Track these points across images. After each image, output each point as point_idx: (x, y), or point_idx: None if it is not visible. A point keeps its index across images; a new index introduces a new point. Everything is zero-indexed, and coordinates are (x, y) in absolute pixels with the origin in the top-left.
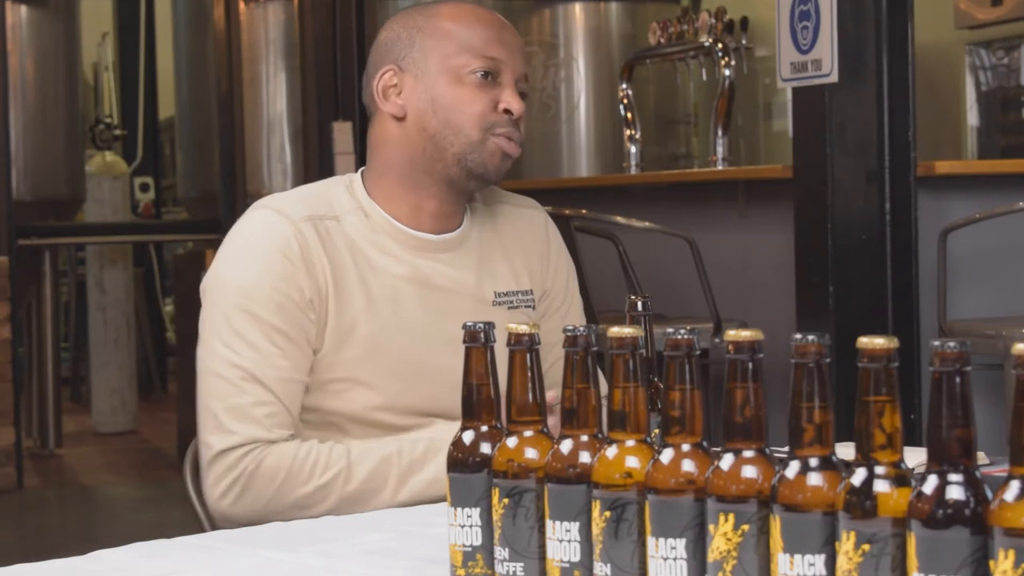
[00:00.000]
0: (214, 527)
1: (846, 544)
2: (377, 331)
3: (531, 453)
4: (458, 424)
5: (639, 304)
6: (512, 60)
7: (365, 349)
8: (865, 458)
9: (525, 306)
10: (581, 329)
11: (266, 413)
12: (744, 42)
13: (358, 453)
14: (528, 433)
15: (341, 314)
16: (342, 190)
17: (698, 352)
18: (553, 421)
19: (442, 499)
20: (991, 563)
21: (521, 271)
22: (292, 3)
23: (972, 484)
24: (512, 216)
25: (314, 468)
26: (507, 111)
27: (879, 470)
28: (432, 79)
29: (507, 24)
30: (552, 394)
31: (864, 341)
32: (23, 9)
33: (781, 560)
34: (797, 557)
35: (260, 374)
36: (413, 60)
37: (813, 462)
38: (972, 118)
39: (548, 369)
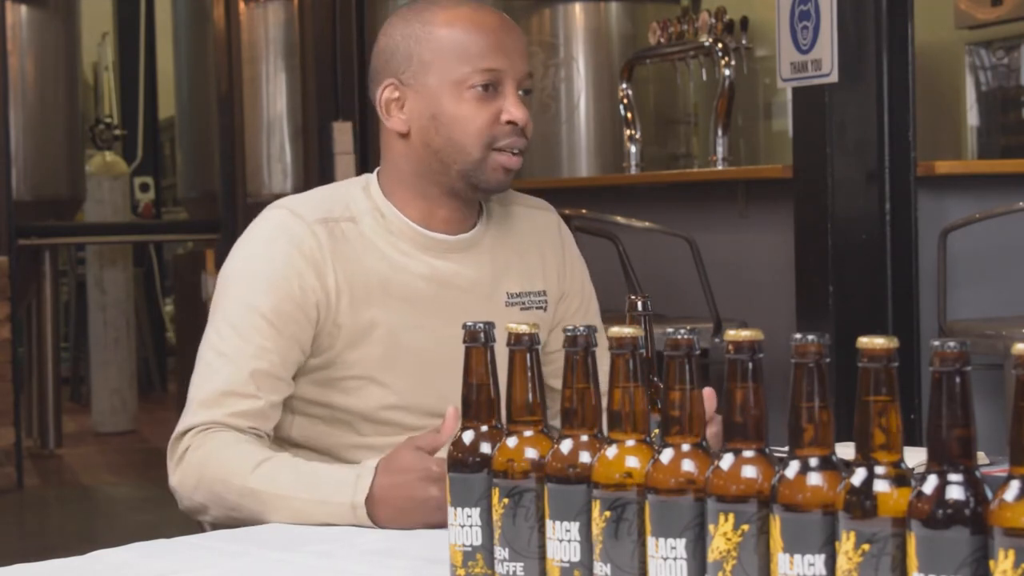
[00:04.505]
0: (214, 527)
1: (846, 544)
2: (394, 331)
3: (531, 453)
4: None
5: (639, 304)
6: (513, 65)
7: (382, 348)
8: (865, 458)
9: (537, 307)
10: (581, 329)
11: (235, 402)
12: (744, 42)
13: (278, 457)
14: (528, 433)
15: (357, 314)
16: (359, 191)
17: (698, 352)
18: (714, 430)
19: (327, 524)
20: (991, 563)
21: (535, 272)
22: (292, 3)
23: (972, 484)
24: (526, 218)
25: (234, 457)
26: (510, 122)
27: (879, 470)
28: (433, 95)
29: (507, 22)
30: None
31: (864, 341)
32: (23, 9)
33: (781, 560)
34: (797, 557)
35: (241, 363)
36: (413, 74)
37: (813, 462)
38: (972, 118)
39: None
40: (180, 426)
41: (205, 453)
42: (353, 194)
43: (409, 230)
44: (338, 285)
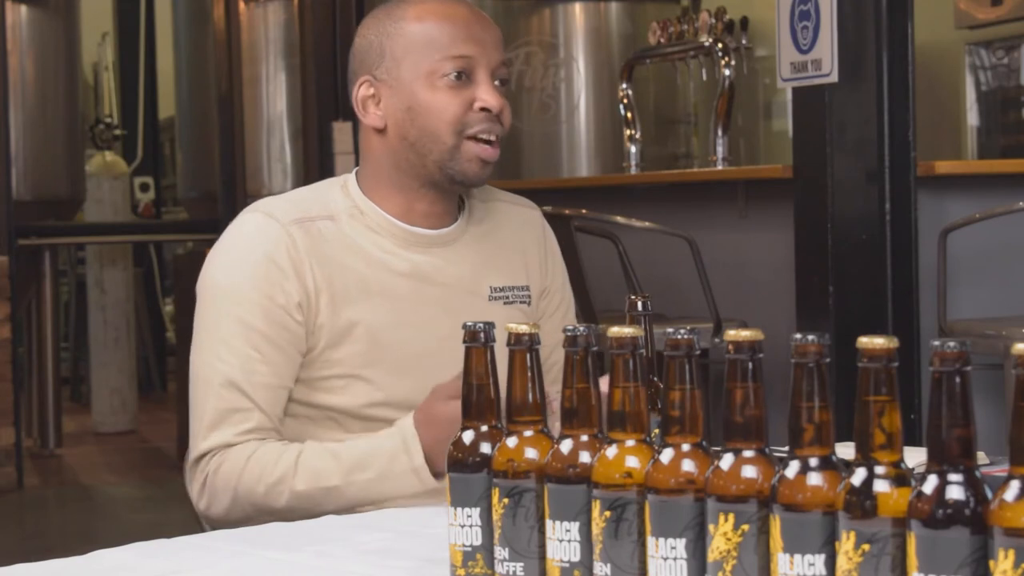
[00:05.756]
0: (213, 527)
1: (846, 544)
2: (376, 327)
3: (531, 453)
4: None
5: (639, 304)
6: (485, 53)
7: (364, 345)
8: (865, 458)
9: (520, 302)
10: (581, 329)
11: (241, 419)
12: (744, 42)
13: (309, 452)
14: (528, 433)
15: (337, 313)
16: (337, 190)
17: (698, 352)
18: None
19: (389, 499)
20: (991, 563)
21: (517, 267)
22: (292, 3)
23: (972, 484)
24: (508, 214)
25: (264, 468)
26: (484, 108)
27: (879, 470)
28: (407, 88)
29: (478, 14)
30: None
31: (864, 341)
32: (23, 9)
33: (781, 560)
34: (797, 557)
35: (240, 380)
36: (386, 70)
37: (813, 462)
38: (972, 118)
39: (548, 369)
40: (194, 452)
41: (230, 471)
42: (331, 193)
43: (389, 225)
44: (317, 285)
